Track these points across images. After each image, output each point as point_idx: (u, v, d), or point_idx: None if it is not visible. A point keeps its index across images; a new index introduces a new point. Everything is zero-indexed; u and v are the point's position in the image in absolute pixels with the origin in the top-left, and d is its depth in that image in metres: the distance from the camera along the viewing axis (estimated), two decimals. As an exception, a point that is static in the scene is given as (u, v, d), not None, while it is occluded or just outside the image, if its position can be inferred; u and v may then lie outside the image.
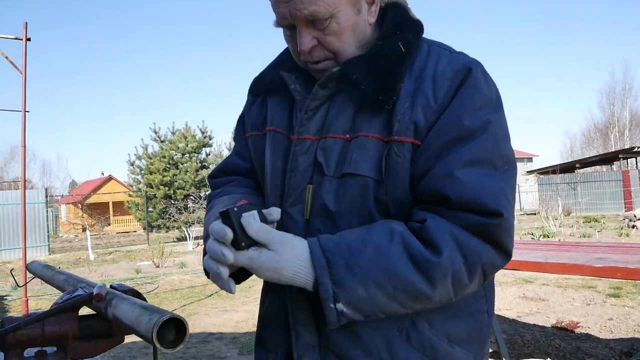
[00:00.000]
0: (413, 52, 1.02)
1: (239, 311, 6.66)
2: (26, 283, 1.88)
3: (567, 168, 28.26)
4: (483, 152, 0.92)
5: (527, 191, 32.85)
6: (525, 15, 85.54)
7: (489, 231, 0.89)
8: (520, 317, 5.61)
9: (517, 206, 30.33)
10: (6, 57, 4.53)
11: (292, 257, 0.89)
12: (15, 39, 4.70)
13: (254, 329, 5.21)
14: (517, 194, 31.95)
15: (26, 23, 4.55)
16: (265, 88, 1.17)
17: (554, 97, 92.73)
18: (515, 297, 6.67)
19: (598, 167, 32.73)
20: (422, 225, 0.91)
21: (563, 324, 5.21)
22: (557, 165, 28.48)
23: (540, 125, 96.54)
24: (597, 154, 31.86)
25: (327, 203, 1.00)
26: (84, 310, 1.35)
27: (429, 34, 1.09)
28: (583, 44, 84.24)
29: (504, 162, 0.94)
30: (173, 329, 1.02)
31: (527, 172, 33.73)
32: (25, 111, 4.62)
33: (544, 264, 2.79)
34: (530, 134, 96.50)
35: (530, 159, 59.62)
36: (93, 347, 1.32)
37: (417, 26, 1.07)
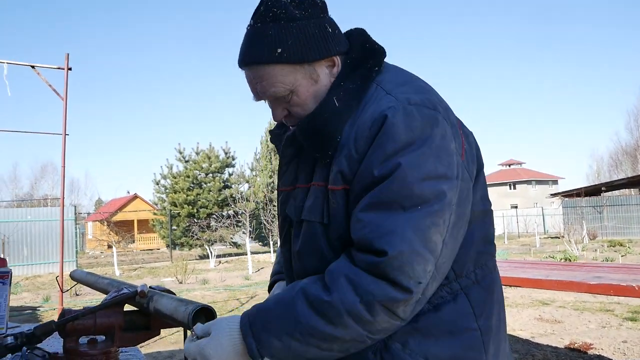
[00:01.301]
0: (354, 99, 1.09)
1: (258, 327, 6.87)
2: (69, 289, 2.15)
3: (592, 191, 27.84)
4: (386, 194, 0.97)
5: (551, 214, 32.46)
6: (551, 37, 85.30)
7: (379, 269, 0.94)
8: (534, 338, 5.71)
9: (540, 229, 30.07)
10: (50, 85, 4.92)
11: (226, 329, 1.05)
12: (58, 68, 5.11)
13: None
14: (541, 217, 31.17)
15: (68, 54, 4.94)
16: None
17: (580, 119, 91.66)
18: (531, 318, 6.75)
19: (626, 191, 32.16)
20: (327, 271, 1.02)
21: (576, 345, 5.30)
22: (582, 188, 28.12)
23: (566, 148, 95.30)
24: (625, 177, 31.34)
25: (294, 244, 1.18)
26: (127, 308, 1.61)
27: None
28: (610, 64, 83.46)
29: (413, 202, 0.96)
30: (204, 317, 1.28)
31: (551, 194, 33.36)
32: (66, 134, 5.00)
33: (543, 280, 2.98)
34: (555, 157, 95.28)
35: (555, 182, 58.83)
36: (135, 338, 1.58)
37: (366, 71, 1.12)
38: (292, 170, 1.22)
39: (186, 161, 22.69)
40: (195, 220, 20.57)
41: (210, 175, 22.54)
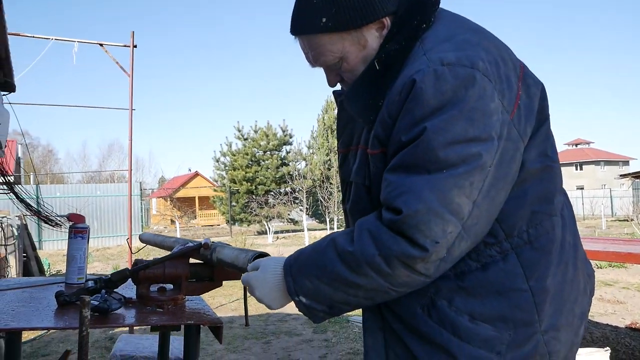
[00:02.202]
0: (397, 62, 1.08)
1: (314, 298, 7.08)
2: (138, 251, 2.33)
3: (666, 172, 26.27)
4: (411, 158, 1.00)
5: (620, 196, 30.93)
6: (618, 14, 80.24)
7: (396, 226, 0.98)
8: (593, 317, 5.58)
9: (607, 211, 28.73)
10: (117, 62, 5.20)
11: (271, 266, 1.17)
12: (124, 46, 5.38)
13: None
14: (608, 199, 29.64)
15: (133, 32, 5.19)
16: None
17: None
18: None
19: None
20: (356, 223, 1.08)
21: (638, 325, 5.15)
22: (655, 168, 26.55)
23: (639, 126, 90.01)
24: (703, 157, 29.25)
25: (346, 204, 1.25)
26: (192, 262, 1.75)
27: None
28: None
29: (438, 166, 0.97)
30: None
31: (621, 175, 31.75)
32: (132, 109, 5.28)
33: (600, 252, 2.93)
34: (627, 136, 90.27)
35: (626, 162, 55.82)
36: (199, 287, 1.72)
37: (411, 29, 1.09)
38: (348, 132, 1.27)
39: (245, 139, 23.16)
40: (254, 197, 21.07)
41: (268, 152, 22.94)
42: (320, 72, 1.22)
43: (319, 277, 1.07)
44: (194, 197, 35.75)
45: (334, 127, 21.53)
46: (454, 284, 1.08)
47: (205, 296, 1.79)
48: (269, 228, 18.43)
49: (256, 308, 6.29)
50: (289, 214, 21.57)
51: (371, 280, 1.02)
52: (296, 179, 19.42)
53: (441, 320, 1.07)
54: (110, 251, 15.69)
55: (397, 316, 1.13)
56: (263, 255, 1.37)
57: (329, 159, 21.01)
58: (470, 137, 0.97)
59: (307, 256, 1.11)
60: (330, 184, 19.31)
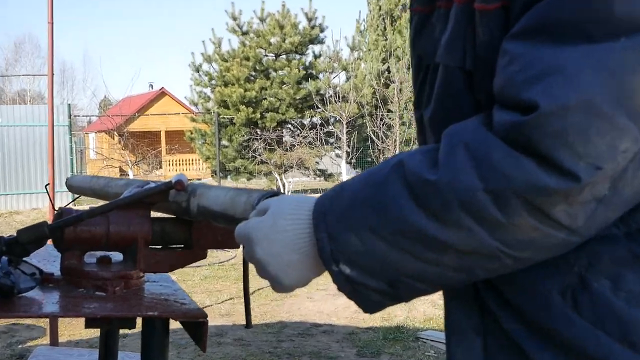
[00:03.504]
0: None
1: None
2: (69, 204, 2.32)
3: None
4: (559, 14, 0.94)
5: None
6: None
7: (523, 136, 0.92)
8: None
9: None
10: None
11: (291, 207, 1.14)
12: None
13: (381, 323, 5.68)
14: None
15: None
16: None
17: None
18: None
19: None
20: (444, 133, 1.03)
21: None
22: None
23: None
24: None
25: (424, 109, 1.24)
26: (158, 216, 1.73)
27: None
28: None
29: (609, 30, 0.91)
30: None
31: None
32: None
33: None
34: None
35: None
36: (168, 259, 1.71)
37: None
38: None
39: (244, 33, 23.10)
40: (259, 133, 21.18)
41: (284, 56, 22.90)
42: None
43: (374, 228, 1.01)
44: (159, 131, 36.23)
45: (397, 11, 21.11)
46: (625, 249, 1.03)
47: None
48: (284, 184, 18.58)
49: (263, 312, 6.40)
50: (317, 163, 21.66)
51: (467, 235, 0.96)
52: (331, 103, 19.37)
53: (599, 315, 1.01)
54: (20, 217, 16.16)
55: (513, 308, 1.09)
56: (276, 195, 1.33)
57: (387, 68, 20.82)
58: None
59: (354, 194, 1.07)
60: (390, 111, 19.23)
